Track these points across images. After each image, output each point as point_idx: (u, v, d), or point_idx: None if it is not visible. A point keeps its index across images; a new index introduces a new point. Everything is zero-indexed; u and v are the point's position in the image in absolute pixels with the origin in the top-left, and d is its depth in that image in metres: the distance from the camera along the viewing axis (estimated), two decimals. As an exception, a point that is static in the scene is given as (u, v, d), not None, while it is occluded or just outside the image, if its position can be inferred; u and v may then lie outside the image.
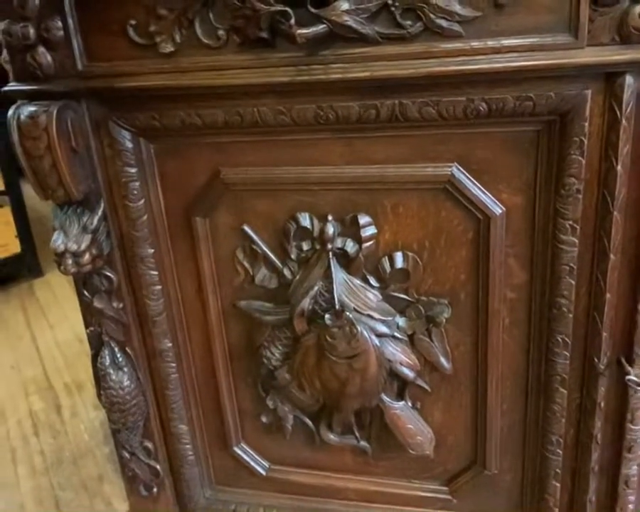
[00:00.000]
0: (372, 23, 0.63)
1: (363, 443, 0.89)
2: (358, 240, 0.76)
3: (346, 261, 0.78)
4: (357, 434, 0.88)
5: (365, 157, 0.73)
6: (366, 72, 0.65)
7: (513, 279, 0.75)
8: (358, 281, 0.78)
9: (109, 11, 0.69)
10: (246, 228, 0.80)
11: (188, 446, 0.95)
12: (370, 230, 0.76)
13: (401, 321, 0.79)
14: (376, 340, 0.78)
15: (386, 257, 0.77)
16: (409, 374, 0.81)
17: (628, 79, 0.62)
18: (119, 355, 0.88)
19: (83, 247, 0.78)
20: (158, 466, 0.96)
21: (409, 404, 0.84)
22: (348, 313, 0.76)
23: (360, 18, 0.63)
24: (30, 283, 2.39)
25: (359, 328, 0.76)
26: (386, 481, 0.91)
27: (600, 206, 0.67)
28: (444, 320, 0.78)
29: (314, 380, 0.82)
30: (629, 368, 0.72)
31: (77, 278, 0.84)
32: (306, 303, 0.78)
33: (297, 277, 0.79)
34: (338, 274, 0.78)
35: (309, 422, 0.89)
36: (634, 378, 0.71)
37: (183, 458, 0.95)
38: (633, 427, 0.76)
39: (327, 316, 0.77)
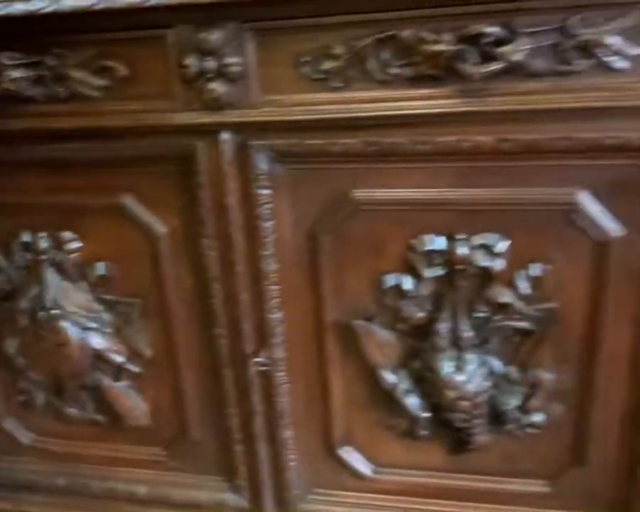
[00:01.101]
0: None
1: (97, 416, 1.08)
2: (66, 252, 0.96)
3: (60, 269, 0.97)
4: (91, 408, 1.08)
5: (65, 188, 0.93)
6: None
7: (183, 283, 0.95)
8: (71, 285, 0.98)
9: None
10: (-18, 242, 0.99)
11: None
12: (74, 244, 0.96)
13: (107, 316, 0.99)
14: (80, 333, 0.98)
15: (91, 266, 0.97)
16: (118, 359, 1.01)
17: (224, 135, 0.82)
18: None
19: None
20: (-59, 438, 1.15)
21: (126, 384, 1.04)
22: (54, 311, 0.96)
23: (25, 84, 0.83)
24: None
25: (62, 323, 0.96)
26: (119, 447, 1.11)
27: (224, 228, 0.88)
28: (139, 316, 0.98)
29: (38, 364, 1.01)
30: (261, 353, 0.93)
31: None
32: (25, 303, 0.98)
33: (23, 281, 0.99)
34: (54, 280, 0.97)
35: (54, 399, 1.09)
36: (259, 360, 0.92)
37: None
38: (279, 400, 0.97)
39: (40, 313, 0.97)
